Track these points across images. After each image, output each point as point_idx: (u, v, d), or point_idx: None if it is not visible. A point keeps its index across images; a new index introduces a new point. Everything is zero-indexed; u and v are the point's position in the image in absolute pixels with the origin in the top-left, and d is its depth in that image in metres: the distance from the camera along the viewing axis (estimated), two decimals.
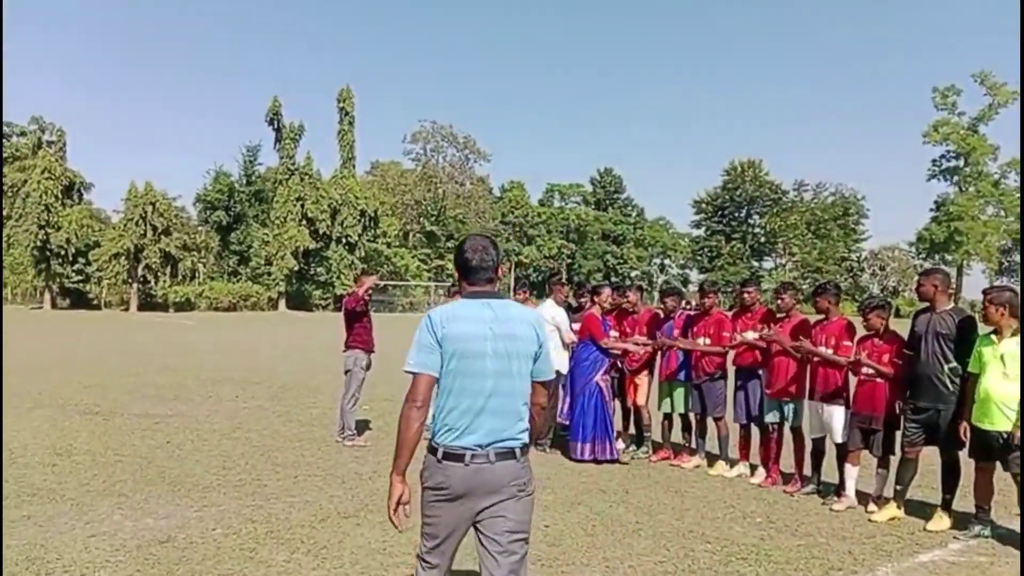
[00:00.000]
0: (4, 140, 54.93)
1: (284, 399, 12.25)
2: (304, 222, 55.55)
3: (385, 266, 61.67)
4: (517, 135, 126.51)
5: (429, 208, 74.48)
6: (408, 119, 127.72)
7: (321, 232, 56.04)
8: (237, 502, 6.38)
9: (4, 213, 48.55)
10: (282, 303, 55.36)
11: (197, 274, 54.00)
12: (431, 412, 3.24)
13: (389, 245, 63.21)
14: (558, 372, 8.61)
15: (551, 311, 8.69)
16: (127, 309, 50.11)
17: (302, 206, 55.41)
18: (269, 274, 55.29)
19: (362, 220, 57.84)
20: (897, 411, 6.41)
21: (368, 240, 58.90)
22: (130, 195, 51.24)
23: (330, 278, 56.67)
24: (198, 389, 13.06)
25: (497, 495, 3.19)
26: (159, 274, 51.46)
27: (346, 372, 8.98)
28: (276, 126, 56.76)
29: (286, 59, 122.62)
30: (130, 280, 50.82)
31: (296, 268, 55.33)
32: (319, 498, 6.57)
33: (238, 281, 57.44)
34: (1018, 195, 71.41)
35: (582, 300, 9.49)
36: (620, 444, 8.59)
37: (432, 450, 3.24)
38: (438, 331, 3.18)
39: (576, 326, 8.76)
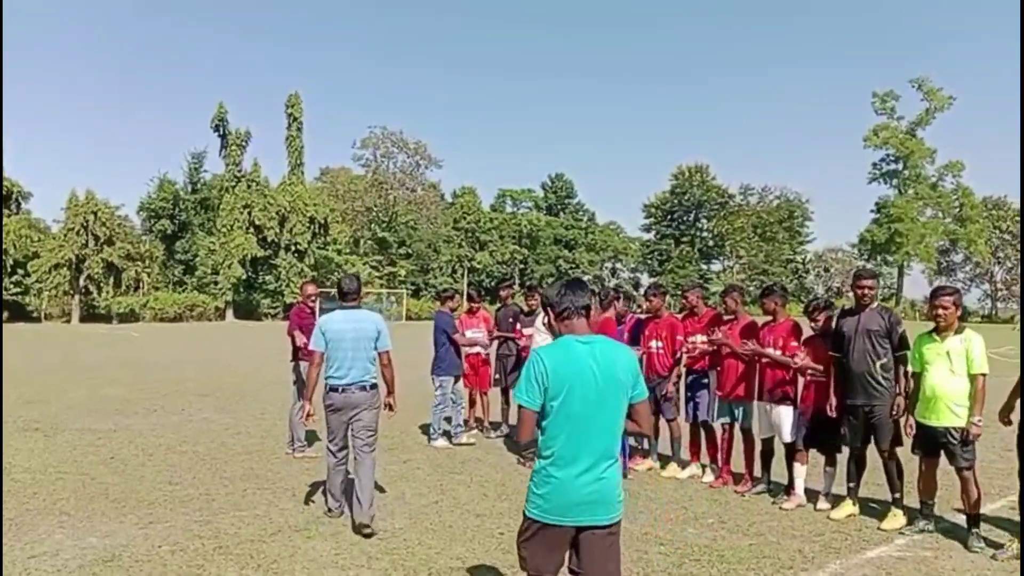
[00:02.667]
0: None
1: (232, 411, 12.01)
2: (251, 230, 54.64)
3: (336, 273, 60.94)
4: (468, 141, 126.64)
5: (380, 214, 73.94)
6: (358, 125, 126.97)
7: (269, 240, 55.18)
8: (184, 518, 6.23)
9: None
10: (229, 313, 54.36)
11: (141, 284, 52.61)
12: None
13: (340, 252, 62.48)
14: None
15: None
16: (69, 321, 48.69)
17: (249, 213, 54.50)
18: (216, 283, 54.22)
19: (311, 227, 57.12)
20: (828, 410, 6.52)
21: (318, 247, 58.19)
22: (71, 204, 49.86)
23: (279, 287, 55.79)
24: (143, 402, 12.73)
25: (357, 409, 6.18)
26: (102, 285, 50.09)
27: (295, 383, 8.85)
28: (222, 132, 55.82)
29: (232, 65, 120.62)
30: (72, 291, 49.39)
31: (244, 277, 54.36)
32: (269, 511, 6.45)
33: (184, 291, 56.23)
34: (954, 197, 73.77)
35: (532, 303, 9.53)
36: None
37: (326, 387, 6.20)
38: (323, 328, 6.24)
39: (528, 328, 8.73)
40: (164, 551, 5.41)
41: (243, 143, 56.01)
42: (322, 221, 58.15)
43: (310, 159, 73.73)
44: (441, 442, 9.30)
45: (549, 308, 3.57)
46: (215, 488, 7.20)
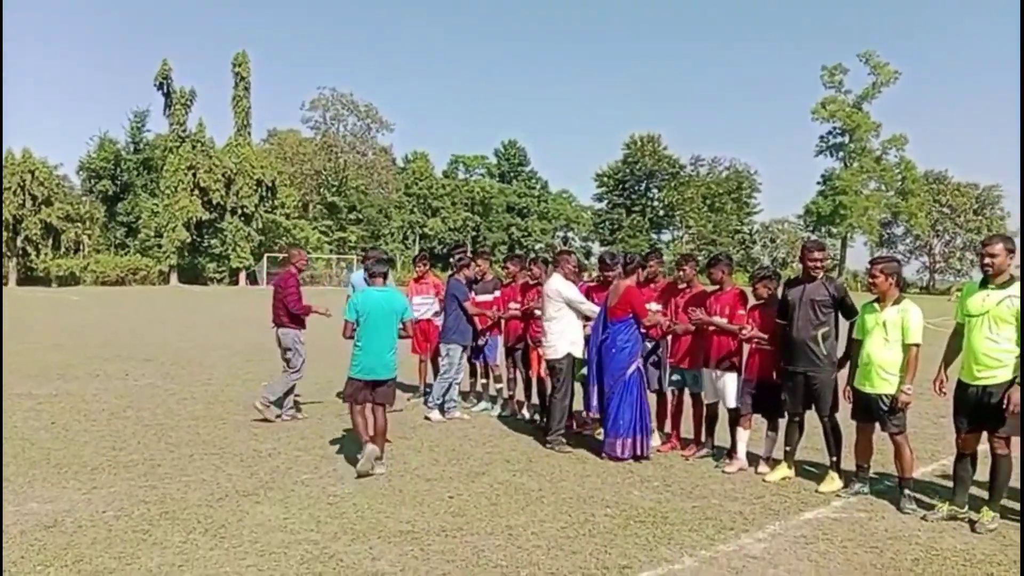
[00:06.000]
0: None
1: (177, 377, 11.81)
2: (196, 192, 53.48)
3: (284, 238, 60.08)
4: (420, 105, 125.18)
5: (330, 178, 72.85)
6: (306, 86, 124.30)
7: (215, 202, 54.08)
8: (129, 483, 6.15)
9: None
10: (174, 276, 53.34)
11: (82, 246, 51.29)
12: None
13: (288, 216, 61.56)
14: (571, 355, 7.81)
15: (559, 285, 7.83)
16: (6, 284, 47.16)
17: (194, 175, 53.29)
18: (160, 246, 53.10)
19: (259, 190, 56.12)
20: (774, 376, 6.72)
21: (265, 211, 57.24)
22: (6, 163, 48.08)
23: (225, 250, 54.85)
24: (85, 367, 12.46)
25: None
26: (40, 247, 48.70)
27: (287, 350, 8.70)
28: (166, 91, 54.27)
29: (176, 20, 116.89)
30: (8, 253, 47.88)
31: (188, 240, 53.31)
32: (216, 476, 6.39)
33: (126, 254, 54.98)
34: (897, 171, 75.49)
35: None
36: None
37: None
38: (353, 282, 9.11)
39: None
40: (108, 516, 5.34)
41: (188, 102, 54.56)
42: (269, 184, 57.16)
43: (257, 120, 71.98)
44: (435, 415, 8.88)
45: (364, 270, 7.45)
46: (160, 454, 7.11)
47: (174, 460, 6.90)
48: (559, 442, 7.66)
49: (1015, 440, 5.58)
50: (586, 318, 7.83)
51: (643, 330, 7.46)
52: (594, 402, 7.58)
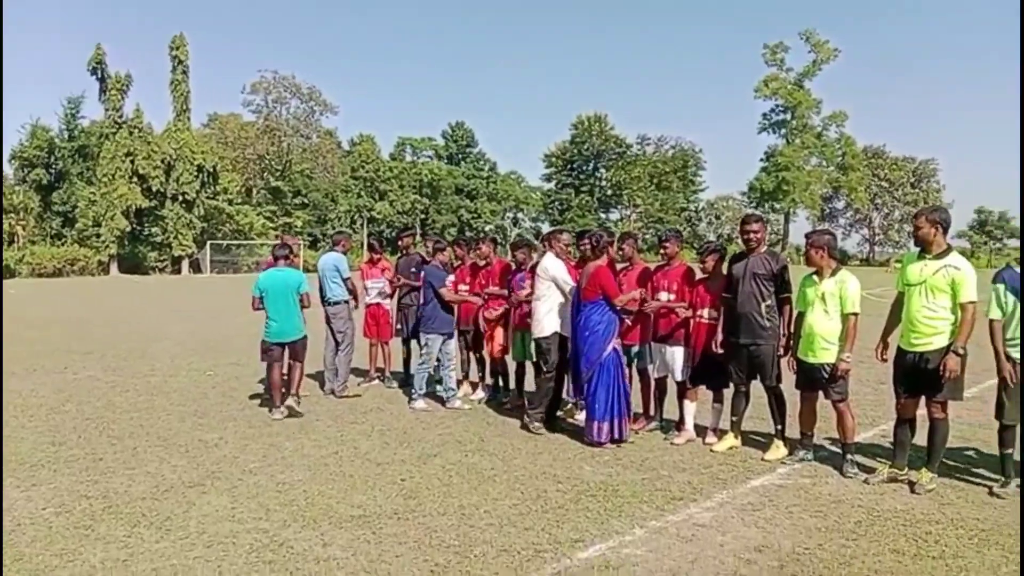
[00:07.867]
0: None
1: (119, 369, 11.50)
2: (135, 179, 51.88)
3: (227, 224, 58.88)
4: (365, 87, 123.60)
5: (273, 163, 71.54)
6: (247, 69, 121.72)
7: (154, 189, 52.57)
8: (70, 478, 5.98)
9: None
10: (114, 267, 51.82)
11: (16, 238, 49.55)
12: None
13: (231, 202, 60.21)
14: (558, 334, 7.56)
15: (548, 263, 7.63)
16: None
17: (132, 162, 51.67)
18: (98, 236, 51.45)
19: (200, 176, 54.66)
20: (713, 348, 6.84)
21: (207, 197, 55.84)
22: None
23: (166, 239, 53.46)
24: (21, 362, 12.05)
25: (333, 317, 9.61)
26: None
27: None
28: (100, 76, 52.45)
29: (110, 3, 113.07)
30: None
31: (128, 229, 51.83)
32: (161, 468, 6.26)
33: (63, 244, 53.16)
34: (838, 146, 77.10)
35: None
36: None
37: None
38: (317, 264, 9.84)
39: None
40: (48, 513, 5.19)
41: (124, 87, 52.77)
42: (211, 170, 55.74)
43: (197, 105, 69.89)
44: (421, 403, 8.60)
45: (273, 253, 8.73)
46: (102, 447, 6.93)
47: (117, 453, 6.73)
48: (535, 421, 7.52)
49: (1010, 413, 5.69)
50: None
51: (617, 310, 7.14)
52: (570, 385, 7.64)
